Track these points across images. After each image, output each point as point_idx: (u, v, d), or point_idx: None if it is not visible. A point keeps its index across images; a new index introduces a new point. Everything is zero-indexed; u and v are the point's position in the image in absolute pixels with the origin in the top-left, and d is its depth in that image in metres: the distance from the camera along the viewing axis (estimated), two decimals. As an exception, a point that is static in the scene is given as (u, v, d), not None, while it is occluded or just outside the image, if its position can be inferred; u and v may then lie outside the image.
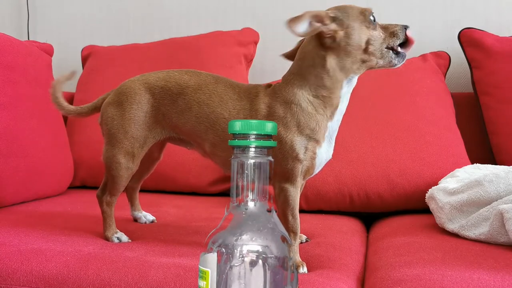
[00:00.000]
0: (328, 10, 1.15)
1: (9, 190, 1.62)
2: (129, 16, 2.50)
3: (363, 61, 1.13)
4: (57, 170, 1.87)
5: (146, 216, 1.47)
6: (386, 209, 1.65)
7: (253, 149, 0.69)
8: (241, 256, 0.65)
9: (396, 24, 1.16)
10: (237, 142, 0.69)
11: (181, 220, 1.49)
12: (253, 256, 0.65)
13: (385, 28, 1.16)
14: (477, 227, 1.22)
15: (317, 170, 1.16)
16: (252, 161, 0.68)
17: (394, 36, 1.14)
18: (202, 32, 2.23)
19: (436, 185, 1.47)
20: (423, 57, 1.96)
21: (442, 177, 1.55)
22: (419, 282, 0.94)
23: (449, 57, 1.96)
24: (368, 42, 1.12)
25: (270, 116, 1.14)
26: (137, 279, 1.00)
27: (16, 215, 1.50)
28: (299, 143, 1.10)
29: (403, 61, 1.14)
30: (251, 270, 0.65)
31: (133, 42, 2.37)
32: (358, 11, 1.16)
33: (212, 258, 0.66)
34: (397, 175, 1.62)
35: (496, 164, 1.73)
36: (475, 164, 1.60)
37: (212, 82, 1.22)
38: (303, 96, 1.13)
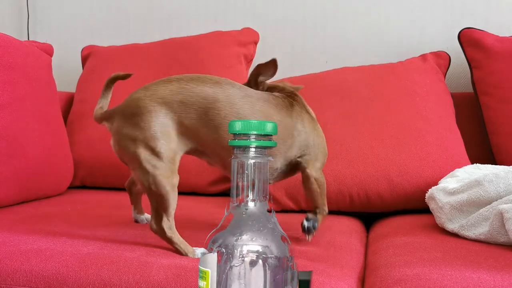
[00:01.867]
0: None
1: (9, 190, 1.62)
2: (129, 16, 2.50)
3: None
4: (57, 170, 1.87)
5: (148, 219, 1.46)
6: (386, 209, 1.65)
7: (253, 149, 0.69)
8: (241, 256, 0.65)
9: None
10: (237, 142, 0.69)
11: (181, 220, 1.48)
12: (253, 256, 0.65)
13: None
14: (477, 227, 1.22)
15: None
16: (252, 161, 0.68)
17: None
18: (202, 32, 2.24)
19: (436, 185, 1.47)
20: (423, 57, 1.96)
21: (442, 177, 1.55)
22: (419, 282, 0.94)
23: (449, 57, 1.96)
24: None
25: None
26: (138, 279, 1.00)
27: (16, 215, 1.50)
28: None
29: None
30: (251, 270, 0.65)
31: (133, 42, 2.37)
32: None
33: (212, 258, 0.66)
34: (397, 175, 1.62)
35: (496, 164, 1.73)
36: (475, 164, 1.60)
37: (240, 94, 1.22)
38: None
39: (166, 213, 1.17)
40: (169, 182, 1.16)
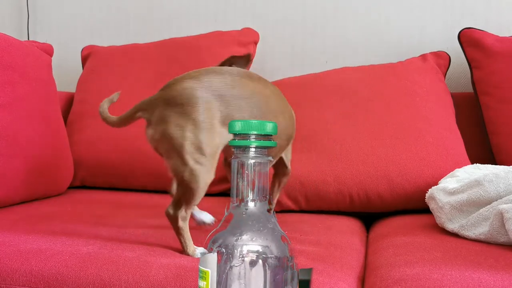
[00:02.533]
0: None
1: (9, 190, 1.62)
2: (129, 16, 2.50)
3: None
4: (57, 170, 1.87)
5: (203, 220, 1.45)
6: (386, 209, 1.65)
7: (253, 149, 0.69)
8: (241, 256, 0.65)
9: None
10: (237, 142, 0.69)
11: (181, 220, 1.48)
12: (253, 256, 0.65)
13: None
14: (477, 227, 1.22)
15: None
16: (252, 161, 0.68)
17: None
18: (202, 32, 2.24)
19: (436, 185, 1.47)
20: (423, 57, 1.96)
21: (442, 177, 1.55)
22: (419, 281, 0.94)
23: (449, 57, 1.96)
24: None
25: None
26: (138, 279, 1.00)
27: (16, 215, 1.50)
28: None
29: None
30: (251, 270, 0.65)
31: (133, 42, 2.37)
32: None
33: (212, 258, 0.66)
34: (397, 175, 1.62)
35: (496, 164, 1.73)
36: (475, 164, 1.59)
37: (272, 89, 1.31)
38: None
39: (188, 205, 1.16)
40: (204, 179, 1.15)
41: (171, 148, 1.16)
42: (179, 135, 1.13)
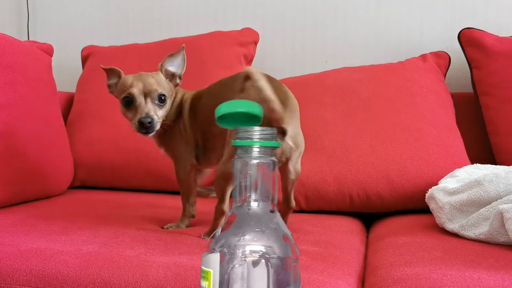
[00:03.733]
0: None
1: (9, 190, 1.62)
2: (129, 16, 2.50)
3: None
4: (57, 170, 1.87)
5: None
6: (386, 209, 1.65)
7: (256, 149, 0.69)
8: (243, 256, 0.65)
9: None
10: (240, 142, 0.69)
11: (182, 220, 1.49)
12: (255, 257, 0.65)
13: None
14: (477, 227, 1.22)
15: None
16: (255, 161, 0.68)
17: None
18: (202, 32, 2.23)
19: (436, 185, 1.47)
20: (423, 57, 1.96)
21: (442, 177, 1.55)
22: (419, 281, 0.94)
23: (449, 57, 1.96)
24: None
25: None
26: (137, 278, 1.00)
27: (16, 215, 1.50)
28: None
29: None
30: (253, 270, 0.65)
31: (133, 42, 2.36)
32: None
33: (214, 258, 0.66)
34: (397, 175, 1.62)
35: (496, 164, 1.73)
36: (475, 164, 1.60)
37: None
38: None
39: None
40: None
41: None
42: None
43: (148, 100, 1.32)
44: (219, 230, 0.69)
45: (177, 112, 1.43)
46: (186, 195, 1.43)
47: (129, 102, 1.32)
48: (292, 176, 1.28)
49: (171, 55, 1.43)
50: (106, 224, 1.37)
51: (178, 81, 1.43)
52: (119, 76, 1.39)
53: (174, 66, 1.43)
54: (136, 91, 1.31)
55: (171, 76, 1.42)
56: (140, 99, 1.32)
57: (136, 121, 1.30)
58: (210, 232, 1.28)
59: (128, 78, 1.35)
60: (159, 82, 1.36)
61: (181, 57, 1.44)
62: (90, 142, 2.05)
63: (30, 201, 1.74)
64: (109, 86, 1.42)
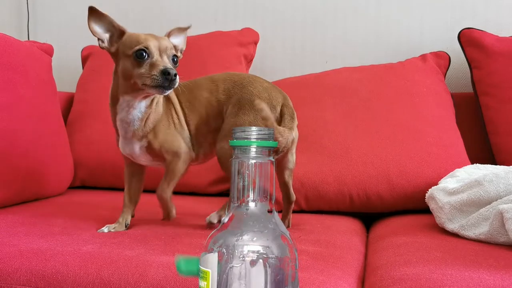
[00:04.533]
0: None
1: (9, 190, 1.62)
2: (129, 16, 2.50)
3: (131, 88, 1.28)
4: (57, 170, 1.87)
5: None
6: (386, 209, 1.65)
7: (254, 149, 0.68)
8: (241, 256, 0.65)
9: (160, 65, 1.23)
10: (238, 142, 0.69)
11: (181, 220, 1.49)
12: (254, 257, 0.65)
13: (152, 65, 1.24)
14: (477, 227, 1.22)
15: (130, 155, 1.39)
16: (253, 161, 0.68)
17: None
18: (202, 32, 2.23)
19: (436, 185, 1.47)
20: (423, 57, 1.96)
21: (442, 177, 1.55)
22: (418, 281, 0.94)
23: (449, 57, 1.96)
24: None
25: None
26: (137, 278, 1.00)
27: (16, 215, 1.50)
28: None
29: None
30: (252, 270, 0.65)
31: (133, 42, 2.36)
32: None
33: (212, 258, 0.66)
34: (397, 175, 1.62)
35: (496, 164, 1.73)
36: (475, 164, 1.60)
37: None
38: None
39: None
40: None
41: None
42: None
43: (165, 57, 1.26)
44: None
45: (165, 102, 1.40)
46: (172, 185, 1.41)
47: (141, 56, 1.23)
48: (291, 165, 1.37)
49: (179, 28, 1.40)
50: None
51: (179, 54, 1.37)
52: (117, 30, 1.33)
53: (178, 39, 1.41)
54: (152, 45, 1.24)
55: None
56: (157, 53, 1.25)
57: (157, 72, 1.20)
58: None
59: (139, 34, 1.28)
60: (171, 44, 1.32)
61: (184, 35, 1.43)
62: (90, 142, 2.05)
63: (30, 201, 1.74)
64: (100, 39, 1.35)
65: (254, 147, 0.69)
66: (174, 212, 1.42)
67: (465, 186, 1.29)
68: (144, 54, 1.23)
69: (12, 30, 2.61)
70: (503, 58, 1.83)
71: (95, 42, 2.40)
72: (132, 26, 1.37)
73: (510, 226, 1.11)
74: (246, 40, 2.19)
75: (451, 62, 1.97)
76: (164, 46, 1.26)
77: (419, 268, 1.00)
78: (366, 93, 1.82)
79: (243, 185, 0.68)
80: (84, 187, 2.08)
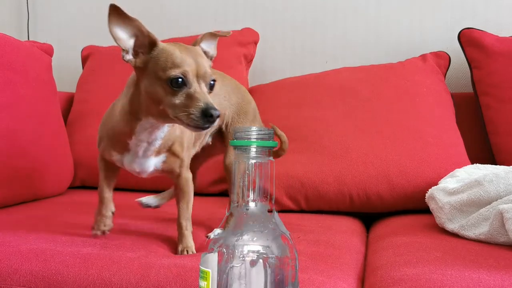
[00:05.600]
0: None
1: (9, 190, 1.62)
2: (128, 16, 2.50)
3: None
4: (57, 170, 1.87)
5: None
6: (386, 209, 1.65)
7: (254, 149, 0.68)
8: (242, 256, 0.65)
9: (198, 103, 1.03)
10: (238, 142, 0.69)
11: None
12: (254, 257, 0.65)
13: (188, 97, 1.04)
14: (477, 227, 1.22)
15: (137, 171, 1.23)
16: (253, 161, 0.68)
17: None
18: (202, 32, 2.23)
19: (436, 185, 1.47)
20: (423, 57, 1.96)
21: (442, 177, 1.54)
22: (418, 281, 0.94)
23: (449, 57, 1.96)
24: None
25: None
26: (138, 279, 1.00)
27: (16, 215, 1.50)
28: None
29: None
30: (252, 270, 0.65)
31: (133, 42, 2.36)
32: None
33: (213, 258, 0.66)
34: (397, 175, 1.62)
35: (496, 164, 1.73)
36: (475, 164, 1.60)
37: None
38: (120, 106, 1.17)
39: None
40: None
41: None
42: None
43: (202, 85, 1.06)
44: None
45: None
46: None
47: (177, 85, 1.03)
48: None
49: (211, 34, 1.23)
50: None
51: (209, 62, 1.19)
52: (145, 37, 1.13)
53: (210, 46, 1.23)
54: (190, 71, 1.05)
55: None
56: (195, 82, 1.05)
57: (198, 111, 1.01)
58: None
59: (173, 50, 1.08)
60: (208, 62, 1.12)
61: (216, 40, 1.26)
62: (90, 142, 2.04)
63: (30, 201, 1.74)
64: (124, 48, 1.12)
65: (254, 147, 0.69)
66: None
67: (465, 186, 1.29)
68: (181, 81, 1.03)
69: (12, 30, 2.61)
70: (503, 58, 1.83)
71: (95, 42, 2.41)
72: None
73: (510, 226, 1.11)
74: (246, 40, 2.19)
75: (451, 62, 1.97)
76: (203, 71, 1.07)
77: (419, 269, 1.00)
78: (366, 93, 1.82)
79: (243, 185, 0.68)
80: (84, 187, 2.08)
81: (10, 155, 1.60)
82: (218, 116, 1.01)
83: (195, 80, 1.05)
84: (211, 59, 1.20)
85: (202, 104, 1.01)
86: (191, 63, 1.05)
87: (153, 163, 1.20)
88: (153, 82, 1.06)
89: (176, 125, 1.16)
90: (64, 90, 2.29)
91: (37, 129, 1.76)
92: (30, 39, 2.57)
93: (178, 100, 1.03)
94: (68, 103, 2.26)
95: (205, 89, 1.06)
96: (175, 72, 1.03)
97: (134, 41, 1.12)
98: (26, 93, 1.72)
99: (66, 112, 2.21)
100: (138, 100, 1.11)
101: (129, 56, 1.11)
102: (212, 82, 1.09)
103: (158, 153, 1.19)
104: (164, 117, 1.07)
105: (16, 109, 1.65)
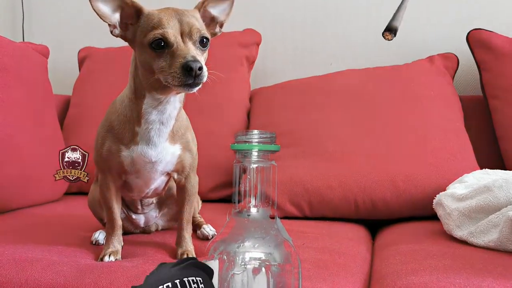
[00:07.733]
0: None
1: (4, 196, 1.61)
2: (128, 18, 2.49)
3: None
4: (53, 175, 1.86)
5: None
6: (392, 215, 1.63)
7: (255, 154, 0.67)
8: (243, 263, 0.65)
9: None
10: (238, 146, 0.67)
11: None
12: (255, 264, 0.65)
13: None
14: (486, 234, 1.20)
15: (142, 171, 1.16)
16: (254, 165, 0.67)
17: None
18: (202, 32, 2.22)
19: (444, 190, 1.45)
20: (430, 59, 1.94)
21: (450, 182, 1.52)
22: (426, 290, 0.93)
23: (457, 59, 1.95)
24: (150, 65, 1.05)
25: None
26: (136, 288, 0.98)
27: (11, 222, 1.50)
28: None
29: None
30: (253, 278, 0.65)
31: (132, 43, 2.36)
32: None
33: (213, 265, 0.65)
34: (404, 181, 1.60)
35: (505, 169, 1.71)
36: (484, 169, 1.58)
37: None
38: (122, 95, 1.16)
39: None
40: None
41: None
42: None
43: (189, 42, 1.05)
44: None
45: None
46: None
47: (159, 46, 1.02)
48: None
49: None
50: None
51: (217, 30, 1.18)
52: (130, 8, 1.09)
53: (218, 9, 1.18)
54: (170, 30, 1.03)
55: (209, 21, 1.17)
56: (178, 40, 1.03)
57: (177, 67, 1.00)
58: None
59: (154, 14, 1.06)
60: (199, 21, 1.10)
61: (229, 3, 1.20)
62: (86, 147, 2.03)
63: (25, 207, 1.73)
64: (110, 23, 1.11)
65: (256, 151, 0.68)
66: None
67: (474, 192, 1.27)
68: (162, 43, 1.02)
69: (6, 31, 2.59)
70: (514, 60, 1.82)
71: (93, 43, 2.40)
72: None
73: (521, 233, 1.09)
74: (248, 41, 2.18)
75: (460, 64, 1.96)
76: (188, 28, 1.04)
77: (426, 277, 0.99)
78: (371, 96, 1.81)
79: (244, 190, 0.68)
80: (80, 193, 2.06)
81: (4, 160, 1.59)
82: (200, 69, 1.00)
83: (179, 40, 1.04)
84: (220, 26, 1.19)
85: (182, 59, 1.00)
86: (173, 23, 1.04)
87: (170, 151, 1.15)
88: (142, 50, 1.06)
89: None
90: (60, 93, 2.28)
91: (32, 134, 1.75)
92: (25, 40, 2.56)
93: (163, 62, 1.03)
94: (65, 107, 2.26)
95: (191, 46, 1.05)
96: (153, 34, 1.03)
97: (120, 13, 1.10)
98: (21, 96, 1.71)
99: (62, 115, 2.20)
100: (138, 75, 1.11)
101: (117, 31, 1.11)
102: (203, 39, 1.07)
103: (173, 139, 1.15)
104: (163, 87, 1.06)
105: (10, 112, 1.64)
